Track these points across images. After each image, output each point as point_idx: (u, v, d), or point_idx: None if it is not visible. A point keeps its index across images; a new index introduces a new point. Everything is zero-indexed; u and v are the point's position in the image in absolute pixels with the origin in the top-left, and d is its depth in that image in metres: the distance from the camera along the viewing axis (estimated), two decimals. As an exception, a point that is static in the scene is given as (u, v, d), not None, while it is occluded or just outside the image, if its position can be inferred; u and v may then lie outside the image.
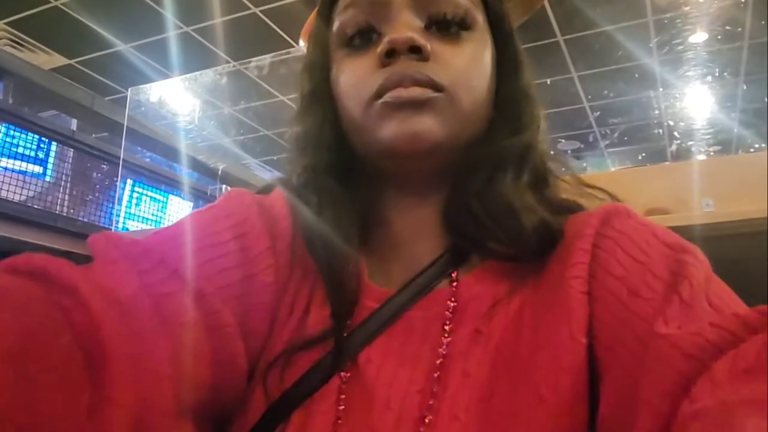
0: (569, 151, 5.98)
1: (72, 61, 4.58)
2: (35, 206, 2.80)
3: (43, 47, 4.38)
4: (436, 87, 0.55)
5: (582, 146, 5.94)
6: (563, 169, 0.65)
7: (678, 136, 5.76)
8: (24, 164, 3.13)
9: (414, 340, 0.54)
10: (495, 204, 0.56)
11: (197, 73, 4.32)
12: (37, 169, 3.27)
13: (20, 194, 2.76)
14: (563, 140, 5.80)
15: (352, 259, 0.57)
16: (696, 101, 5.32)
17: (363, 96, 0.57)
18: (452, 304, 0.54)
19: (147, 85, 4.00)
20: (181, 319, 0.44)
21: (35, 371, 0.32)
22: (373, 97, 0.56)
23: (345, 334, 0.54)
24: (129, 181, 4.36)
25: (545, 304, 0.51)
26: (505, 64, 0.63)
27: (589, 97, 5.13)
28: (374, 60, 0.57)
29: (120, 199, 3.54)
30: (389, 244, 0.61)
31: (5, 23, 4.08)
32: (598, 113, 5.43)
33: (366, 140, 0.58)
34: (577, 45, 4.36)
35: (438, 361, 0.52)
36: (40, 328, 0.34)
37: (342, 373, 0.53)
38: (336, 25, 0.61)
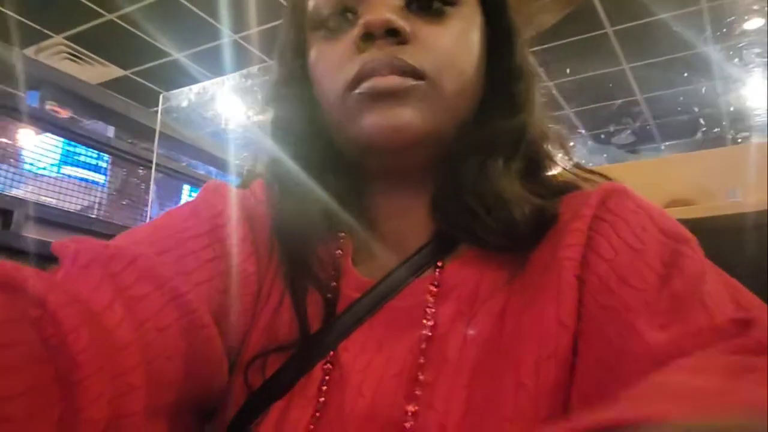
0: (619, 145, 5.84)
1: (128, 72, 4.73)
2: (91, 215, 2.89)
3: (100, 59, 4.54)
4: (417, 74, 0.50)
5: (635, 140, 5.78)
6: (562, 148, 0.61)
7: (738, 124, 5.55)
8: (83, 172, 3.26)
9: (394, 330, 0.51)
10: (486, 196, 0.52)
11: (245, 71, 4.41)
12: (98, 177, 3.40)
13: (78, 203, 2.85)
14: (617, 134, 5.67)
15: (323, 247, 0.55)
16: (754, 89, 5.11)
17: (338, 85, 0.52)
18: (435, 290, 0.52)
19: (177, 90, 4.08)
20: (155, 324, 0.43)
21: (3, 386, 0.31)
22: (349, 86, 0.51)
23: (323, 325, 0.53)
24: (186, 187, 4.49)
25: (534, 287, 0.49)
26: (498, 38, 0.57)
27: (642, 88, 4.99)
28: (350, 44, 0.52)
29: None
30: (375, 232, 0.58)
31: (64, 37, 4.25)
32: (652, 105, 5.28)
33: (343, 133, 0.54)
34: (627, 35, 4.25)
35: (418, 346, 0.49)
36: (8, 340, 0.33)
37: (325, 365, 0.51)
38: (311, 5, 0.56)
